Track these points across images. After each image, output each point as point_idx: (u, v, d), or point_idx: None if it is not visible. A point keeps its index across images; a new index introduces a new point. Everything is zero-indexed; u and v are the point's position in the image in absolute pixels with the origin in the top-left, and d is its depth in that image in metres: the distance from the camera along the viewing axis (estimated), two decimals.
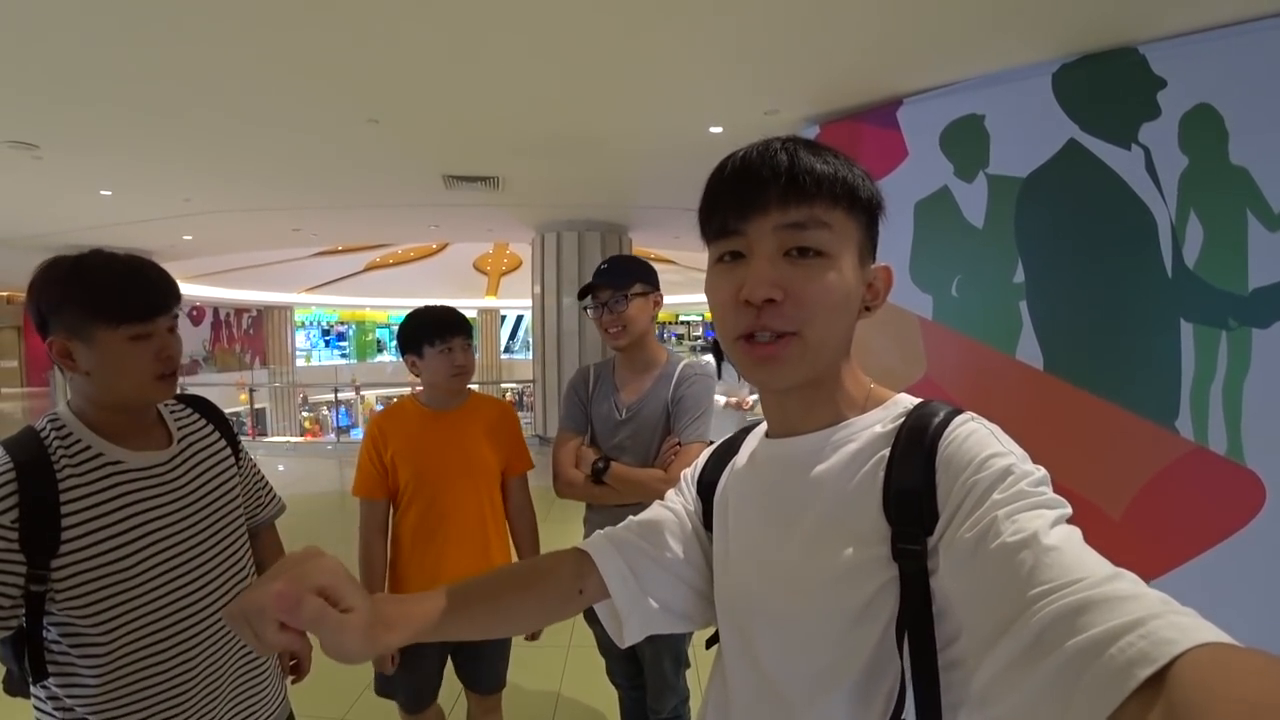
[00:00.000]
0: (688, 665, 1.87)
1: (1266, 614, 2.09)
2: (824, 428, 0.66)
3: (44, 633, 0.97)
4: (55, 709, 1.01)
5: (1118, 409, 2.40)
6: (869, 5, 2.28)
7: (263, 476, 1.42)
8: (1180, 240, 2.28)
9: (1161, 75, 2.33)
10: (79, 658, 0.98)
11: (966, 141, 2.80)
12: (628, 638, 0.75)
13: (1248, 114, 2.17)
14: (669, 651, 1.78)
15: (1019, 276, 2.64)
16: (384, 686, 1.80)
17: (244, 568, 1.20)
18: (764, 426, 0.76)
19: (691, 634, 1.83)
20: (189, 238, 7.25)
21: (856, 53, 2.67)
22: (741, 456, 0.78)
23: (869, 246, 0.66)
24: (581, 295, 1.76)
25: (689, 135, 3.72)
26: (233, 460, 1.25)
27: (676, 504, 0.83)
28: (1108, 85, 2.45)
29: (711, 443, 0.89)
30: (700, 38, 2.57)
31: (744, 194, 0.62)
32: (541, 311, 7.54)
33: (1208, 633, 0.36)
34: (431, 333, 1.70)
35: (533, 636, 1.78)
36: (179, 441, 1.14)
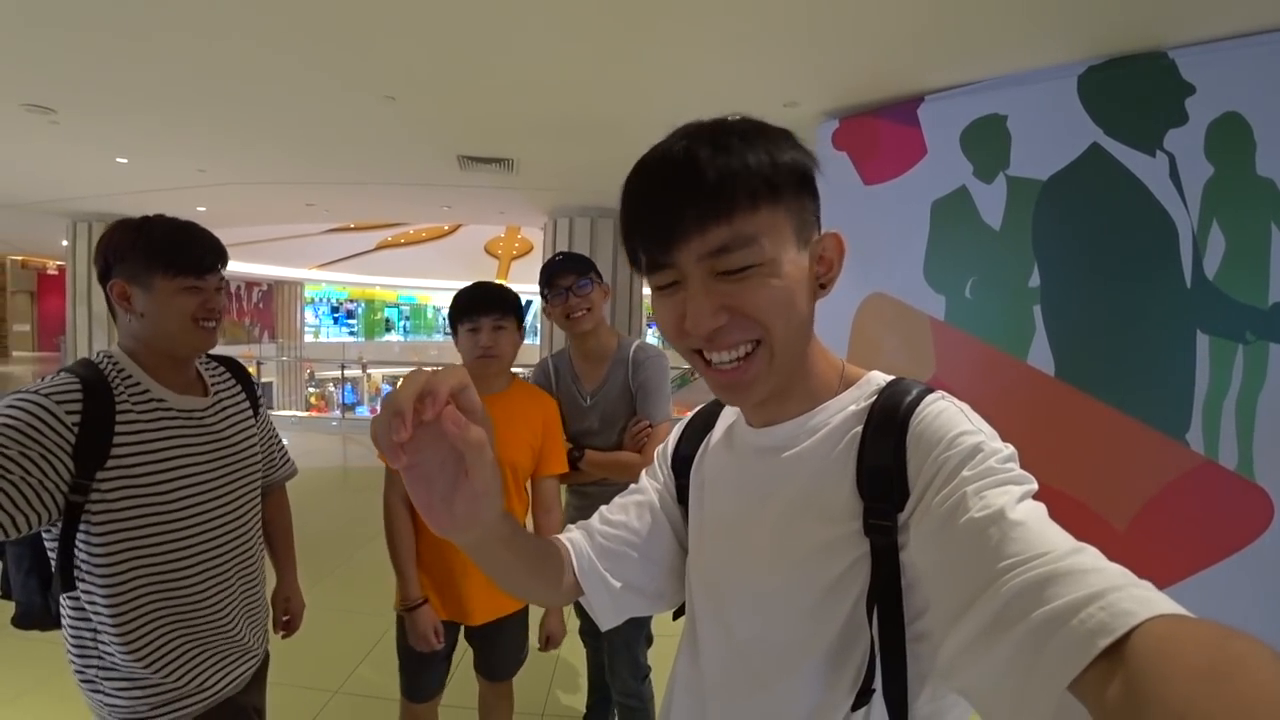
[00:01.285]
0: (650, 641, 1.95)
1: (1270, 631, 2.06)
2: (799, 415, 0.67)
3: (75, 545, 1.06)
4: (78, 619, 1.11)
5: (1128, 419, 2.37)
6: None
7: (279, 439, 1.53)
8: (1201, 250, 2.25)
9: (1190, 81, 2.28)
10: (100, 572, 1.07)
11: (987, 141, 2.75)
12: (603, 623, 0.77)
13: (1276, 124, 2.12)
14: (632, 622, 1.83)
15: (1035, 280, 2.60)
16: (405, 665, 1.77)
17: (254, 519, 1.32)
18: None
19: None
20: (202, 209, 7.26)
21: (879, 47, 2.63)
22: (717, 432, 0.79)
23: (809, 221, 0.63)
24: (544, 284, 1.78)
25: None
26: (253, 420, 1.36)
27: (646, 484, 0.84)
28: (1134, 89, 2.40)
29: (680, 417, 0.90)
30: (721, 26, 2.53)
31: (659, 224, 0.59)
32: None
33: (1164, 605, 0.38)
34: (463, 310, 1.65)
35: (546, 645, 1.82)
36: (213, 394, 1.27)
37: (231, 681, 1.22)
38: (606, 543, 0.77)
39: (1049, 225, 2.58)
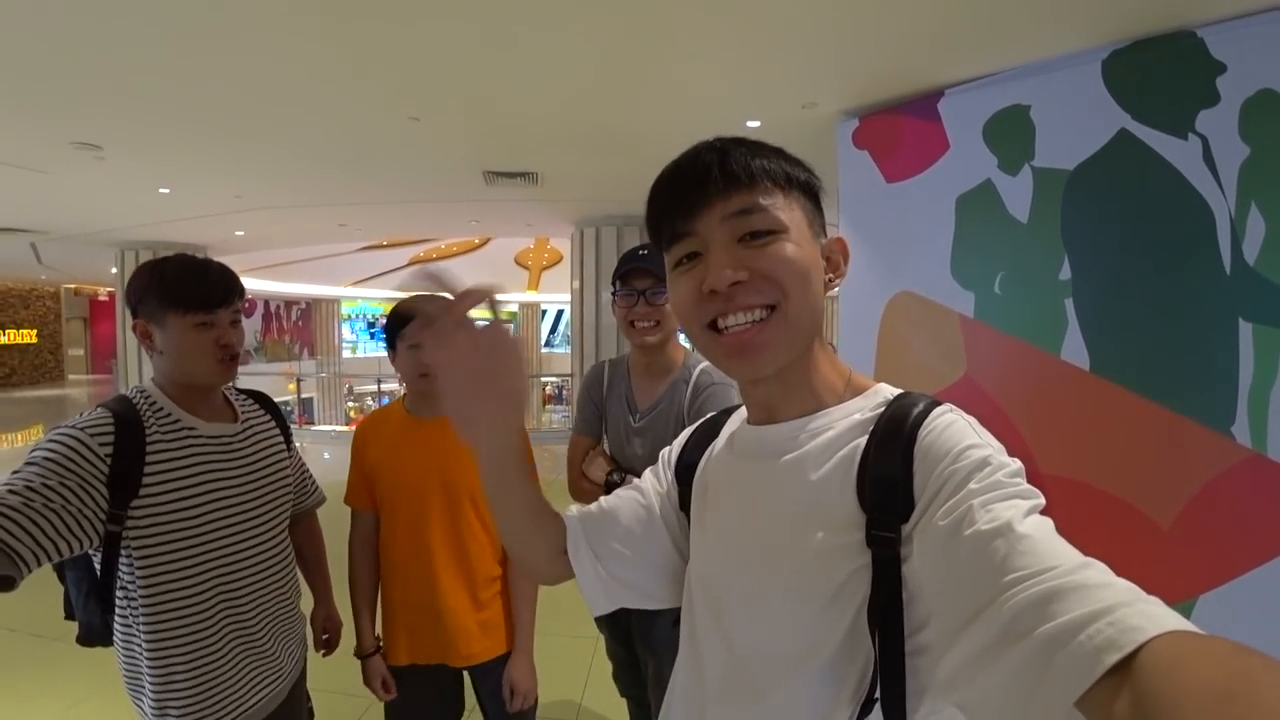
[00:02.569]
0: None
1: None
2: (804, 415, 0.67)
3: (117, 573, 1.12)
4: (125, 637, 1.17)
5: (1169, 412, 2.29)
6: None
7: (308, 469, 1.56)
8: (1240, 235, 2.16)
9: (1221, 59, 2.20)
10: (141, 596, 1.12)
11: (1011, 133, 2.70)
12: (594, 607, 0.79)
13: None
14: (670, 661, 1.75)
15: (1065, 273, 2.54)
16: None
17: (284, 544, 1.35)
18: (745, 411, 0.76)
19: None
20: (241, 233, 7.50)
21: (896, 42, 2.60)
22: (721, 439, 0.79)
23: (818, 224, 0.67)
24: (620, 278, 1.58)
25: (727, 129, 3.57)
26: (284, 447, 1.40)
27: (647, 487, 0.84)
28: (1162, 71, 2.33)
29: None
30: (738, 31, 2.53)
31: (684, 195, 0.63)
32: (580, 306, 7.58)
33: (1173, 621, 0.37)
34: (399, 326, 1.49)
35: (512, 699, 1.54)
36: (243, 420, 1.31)
37: (261, 700, 1.26)
38: (600, 534, 0.78)
39: (1078, 216, 2.52)
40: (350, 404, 15.67)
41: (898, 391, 0.67)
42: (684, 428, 1.58)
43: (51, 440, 1.05)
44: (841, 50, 2.70)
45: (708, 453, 0.80)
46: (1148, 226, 2.35)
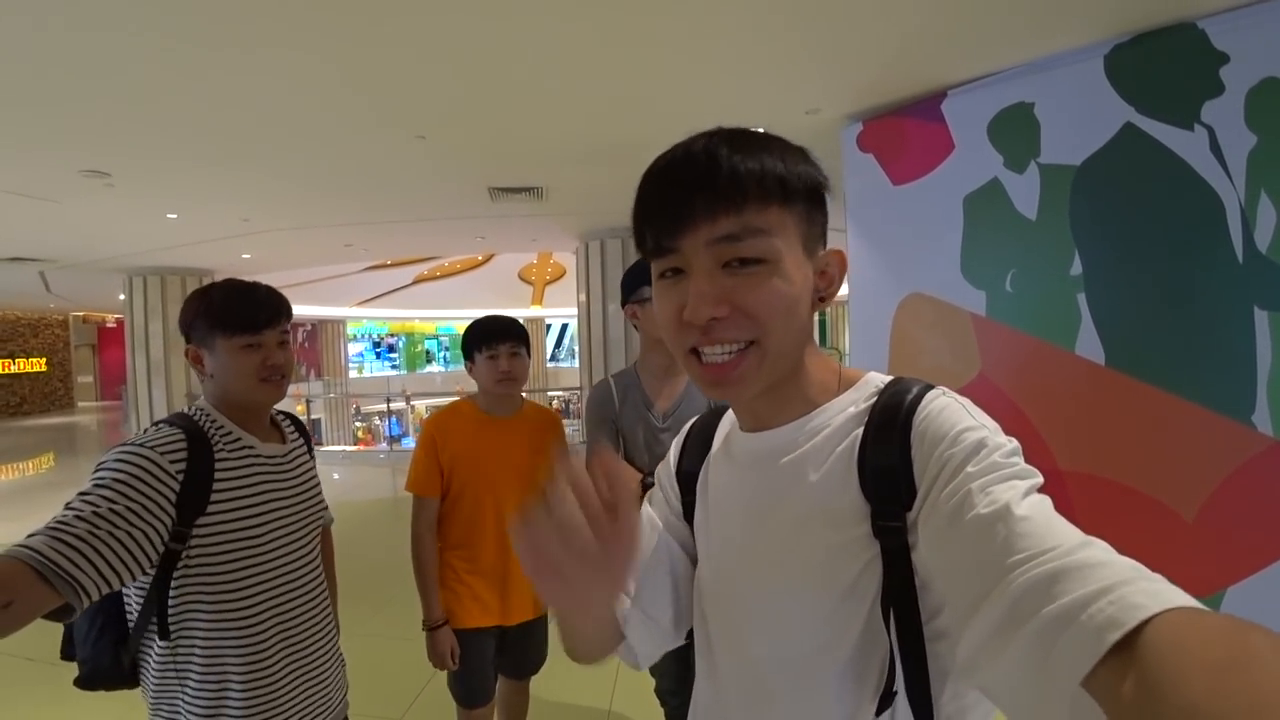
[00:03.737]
0: None
1: None
2: (800, 416, 0.66)
3: (169, 593, 1.09)
4: (164, 669, 1.12)
5: (1187, 403, 2.28)
6: None
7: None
8: (1251, 223, 2.16)
9: (1223, 50, 2.21)
10: (196, 616, 1.11)
11: (1016, 131, 2.71)
12: (644, 661, 0.76)
13: None
14: None
15: (1076, 268, 2.54)
16: (454, 685, 1.90)
17: (320, 564, 1.36)
18: (734, 415, 0.74)
19: None
20: (247, 256, 7.57)
21: (898, 45, 2.62)
22: (716, 444, 0.77)
23: (815, 234, 0.63)
24: (636, 283, 1.68)
25: None
26: (314, 468, 1.43)
27: (659, 505, 0.82)
28: (1165, 64, 2.34)
29: None
30: (741, 40, 2.56)
31: (670, 208, 0.59)
32: (588, 319, 7.60)
33: (1176, 597, 0.37)
34: (480, 339, 1.79)
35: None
36: (289, 441, 1.34)
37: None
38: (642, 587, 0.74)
39: (1087, 211, 2.52)
40: (358, 424, 15.71)
41: (888, 379, 0.66)
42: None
43: (120, 460, 1.03)
44: (843, 55, 2.72)
45: (706, 460, 0.78)
46: (1157, 219, 2.35)
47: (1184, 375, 2.30)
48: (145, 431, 1.12)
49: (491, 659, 1.89)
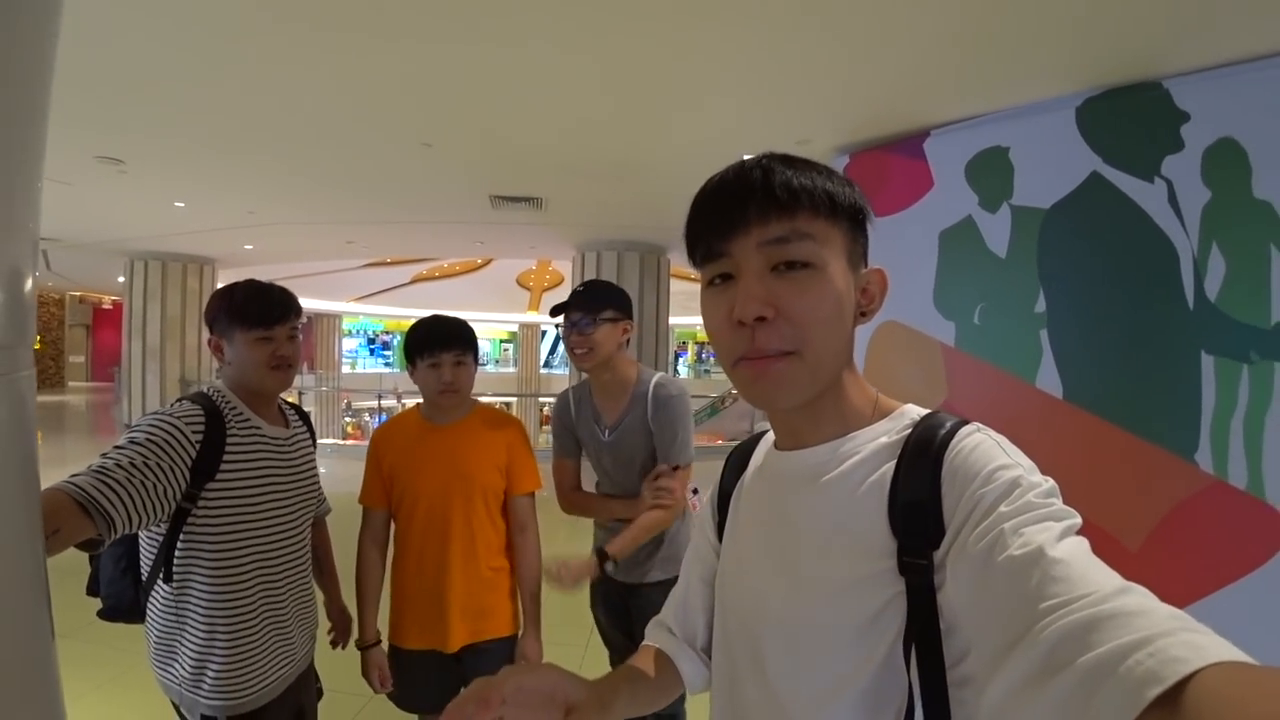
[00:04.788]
0: None
1: None
2: (831, 439, 0.65)
3: (176, 545, 1.27)
4: (166, 612, 1.31)
5: (1137, 439, 2.41)
6: (899, 40, 2.39)
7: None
8: (1202, 273, 2.30)
9: (1184, 109, 2.36)
10: (196, 567, 1.28)
11: (991, 173, 2.86)
12: (700, 686, 0.82)
13: (1271, 148, 2.19)
14: None
15: (1040, 306, 2.68)
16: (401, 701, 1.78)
17: (308, 542, 1.51)
18: (772, 435, 0.75)
19: None
20: (250, 247, 7.67)
21: (886, 85, 2.77)
22: (751, 467, 0.77)
23: (859, 251, 0.65)
24: (553, 313, 1.80)
25: (724, 163, 3.75)
26: (314, 456, 1.58)
27: (699, 533, 0.86)
28: (1131, 118, 2.49)
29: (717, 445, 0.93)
30: (739, 72, 2.71)
31: (724, 214, 0.61)
32: None
33: (1220, 650, 0.35)
34: (420, 346, 1.65)
35: None
36: (293, 427, 1.50)
37: (280, 677, 1.39)
38: (688, 621, 0.82)
39: (1053, 252, 2.66)
40: (347, 419, 15.72)
41: (924, 412, 0.65)
42: (649, 436, 1.72)
43: (151, 424, 1.21)
44: (834, 91, 2.87)
45: (741, 479, 0.79)
46: (1117, 263, 2.49)
47: (1135, 412, 2.43)
48: (171, 405, 1.29)
49: (436, 683, 1.68)
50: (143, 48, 2.60)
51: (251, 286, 1.42)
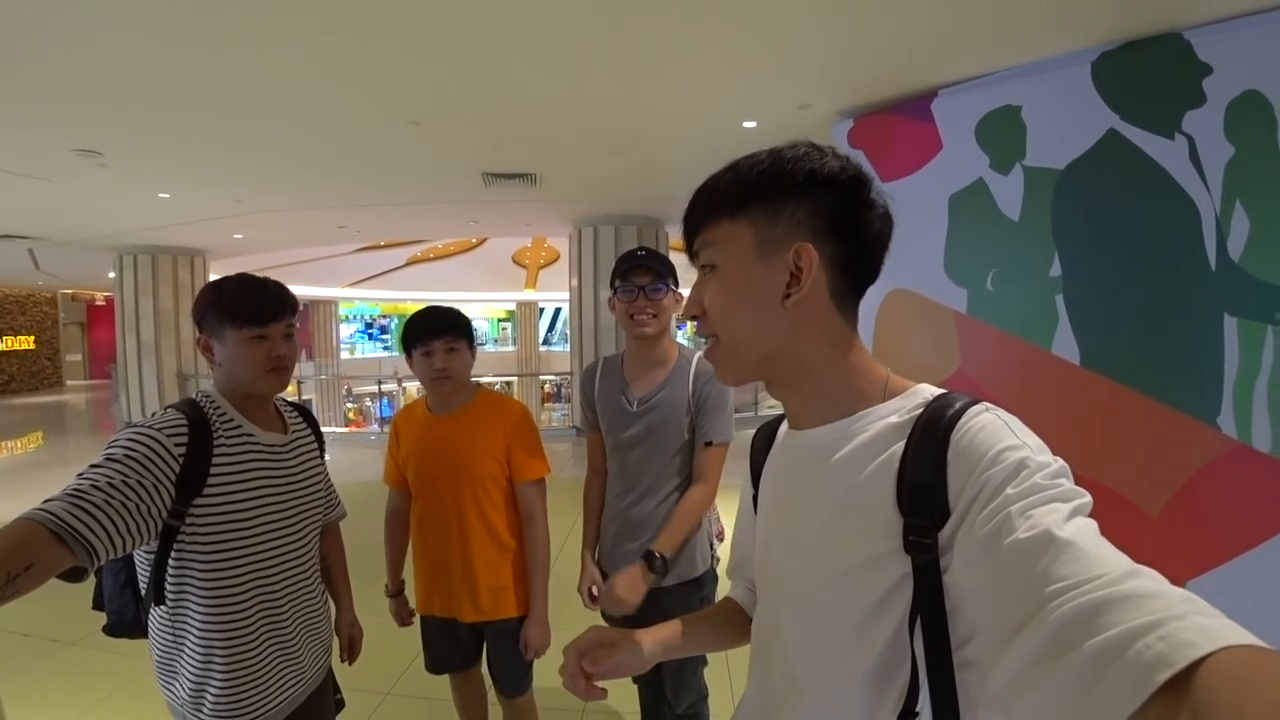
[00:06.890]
0: (705, 663, 1.86)
1: None
2: (840, 419, 0.66)
3: (167, 564, 1.19)
4: (164, 631, 1.24)
5: (1157, 405, 2.36)
6: None
7: (332, 483, 1.61)
8: (1225, 232, 2.23)
9: (1207, 61, 2.26)
10: (189, 587, 1.20)
11: (1003, 133, 2.76)
12: None
13: None
14: None
15: (1055, 270, 2.60)
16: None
17: (314, 553, 1.42)
18: None
19: None
20: (239, 236, 7.54)
21: (890, 44, 2.66)
22: (778, 440, 0.80)
23: (774, 237, 0.64)
24: (617, 276, 1.70)
25: (723, 131, 3.74)
26: (320, 461, 1.49)
27: (747, 505, 0.89)
28: (1150, 73, 2.39)
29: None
30: (735, 34, 2.59)
31: (685, 228, 0.73)
32: (579, 304, 7.64)
33: (1232, 634, 0.35)
34: (414, 337, 1.68)
35: (526, 652, 1.80)
36: (291, 432, 1.39)
37: (286, 699, 1.31)
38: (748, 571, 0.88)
39: (1068, 214, 2.58)
40: (349, 405, 15.71)
41: (938, 392, 0.64)
42: (688, 411, 1.69)
43: (129, 439, 1.11)
44: (836, 52, 2.75)
45: (770, 454, 0.81)
46: (1136, 224, 2.41)
47: (1155, 377, 2.38)
48: (153, 415, 1.19)
49: (461, 646, 1.85)
50: (114, 36, 2.48)
51: (243, 281, 1.30)
